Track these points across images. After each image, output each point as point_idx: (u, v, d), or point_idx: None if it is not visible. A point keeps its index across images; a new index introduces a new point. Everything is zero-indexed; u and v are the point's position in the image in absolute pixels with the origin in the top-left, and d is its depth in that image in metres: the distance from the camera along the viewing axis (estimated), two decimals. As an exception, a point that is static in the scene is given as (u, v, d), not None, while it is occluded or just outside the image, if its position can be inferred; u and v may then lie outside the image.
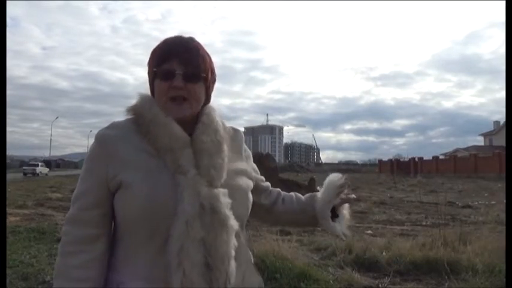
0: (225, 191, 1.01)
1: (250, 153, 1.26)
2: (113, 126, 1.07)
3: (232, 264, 0.99)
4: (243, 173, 1.15)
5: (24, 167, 41.41)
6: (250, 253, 1.21)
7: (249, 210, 1.13)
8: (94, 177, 1.03)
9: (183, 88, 1.03)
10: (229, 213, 0.99)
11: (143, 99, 1.08)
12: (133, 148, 1.02)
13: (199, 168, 1.01)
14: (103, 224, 1.04)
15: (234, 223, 1.00)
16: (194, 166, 1.01)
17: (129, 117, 1.07)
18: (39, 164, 43.17)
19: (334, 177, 1.28)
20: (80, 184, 1.06)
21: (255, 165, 1.27)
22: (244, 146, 1.23)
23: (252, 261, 1.20)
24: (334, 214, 1.29)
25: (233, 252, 0.99)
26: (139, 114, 1.05)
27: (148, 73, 1.11)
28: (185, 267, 0.94)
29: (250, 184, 1.17)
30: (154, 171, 0.99)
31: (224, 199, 1.00)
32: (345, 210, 1.32)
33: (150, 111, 1.04)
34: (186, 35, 1.11)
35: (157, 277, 0.97)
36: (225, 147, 1.08)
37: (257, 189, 1.24)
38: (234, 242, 0.99)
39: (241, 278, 1.06)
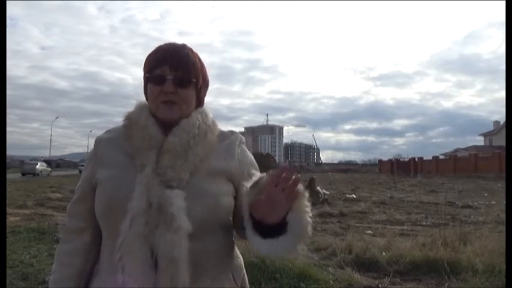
0: (181, 192, 0.98)
1: (248, 159, 1.16)
2: (108, 130, 1.18)
3: (182, 267, 0.94)
4: (222, 173, 1.08)
5: (79, 167, 50.09)
6: (235, 262, 1.15)
7: (218, 214, 1.05)
8: (84, 176, 1.16)
9: (173, 93, 1.07)
10: (179, 214, 0.96)
11: (137, 105, 1.15)
12: (116, 149, 1.10)
13: (158, 167, 1.02)
14: (90, 218, 1.12)
15: (184, 225, 0.95)
16: (153, 165, 1.02)
17: (124, 122, 1.13)
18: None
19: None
20: (79, 182, 1.19)
21: (252, 172, 1.12)
22: (241, 150, 1.15)
23: (232, 270, 1.13)
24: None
25: (184, 256, 0.95)
26: (130, 119, 1.12)
27: (143, 78, 1.15)
28: (124, 263, 0.95)
29: (225, 188, 1.08)
30: (121, 170, 1.06)
31: (177, 200, 0.97)
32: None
33: (137, 115, 1.11)
34: (180, 42, 1.15)
35: (115, 270, 0.98)
36: (198, 149, 1.06)
37: (238, 198, 1.10)
38: (185, 244, 0.95)
39: (204, 285, 1.03)
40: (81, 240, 1.13)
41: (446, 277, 4.04)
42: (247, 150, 1.19)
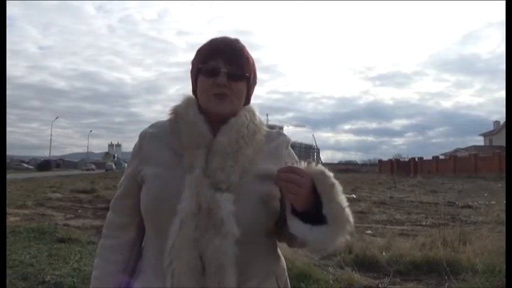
0: (230, 195, 0.96)
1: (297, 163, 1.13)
2: (153, 125, 1.14)
3: (230, 273, 0.93)
4: (270, 176, 1.03)
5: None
6: (279, 265, 1.13)
7: (266, 219, 1.03)
8: (129, 171, 1.13)
9: (226, 86, 1.04)
10: (228, 219, 0.94)
11: (185, 99, 1.11)
12: (162, 145, 1.08)
13: (207, 169, 0.99)
14: (134, 214, 1.10)
15: (232, 230, 0.93)
16: (203, 166, 0.99)
17: (170, 116, 1.10)
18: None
19: None
20: (122, 177, 1.17)
21: None
22: (289, 154, 1.14)
23: (275, 273, 1.10)
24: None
25: (231, 261, 0.93)
26: (176, 114, 1.09)
27: (192, 71, 1.12)
28: (175, 267, 0.93)
29: (273, 191, 1.04)
30: (169, 169, 1.03)
31: (226, 205, 0.95)
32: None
33: (185, 110, 1.07)
34: (232, 37, 1.13)
35: (162, 273, 0.96)
36: (248, 150, 1.03)
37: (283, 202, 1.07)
38: (233, 250, 0.93)
39: None
40: (125, 235, 1.12)
41: (446, 277, 4.04)
42: (293, 153, 1.17)
